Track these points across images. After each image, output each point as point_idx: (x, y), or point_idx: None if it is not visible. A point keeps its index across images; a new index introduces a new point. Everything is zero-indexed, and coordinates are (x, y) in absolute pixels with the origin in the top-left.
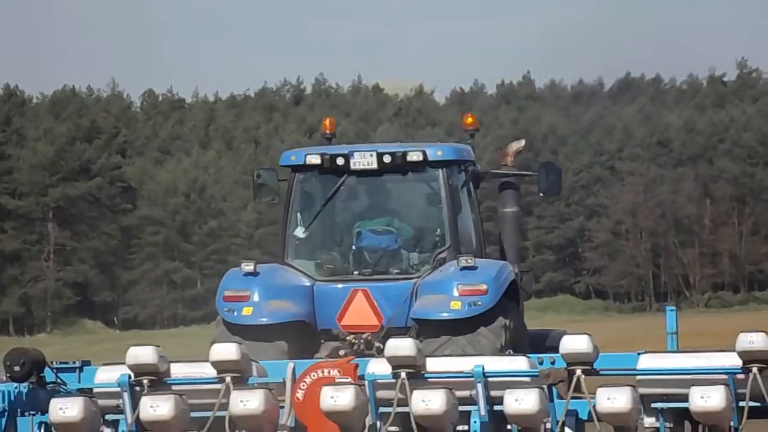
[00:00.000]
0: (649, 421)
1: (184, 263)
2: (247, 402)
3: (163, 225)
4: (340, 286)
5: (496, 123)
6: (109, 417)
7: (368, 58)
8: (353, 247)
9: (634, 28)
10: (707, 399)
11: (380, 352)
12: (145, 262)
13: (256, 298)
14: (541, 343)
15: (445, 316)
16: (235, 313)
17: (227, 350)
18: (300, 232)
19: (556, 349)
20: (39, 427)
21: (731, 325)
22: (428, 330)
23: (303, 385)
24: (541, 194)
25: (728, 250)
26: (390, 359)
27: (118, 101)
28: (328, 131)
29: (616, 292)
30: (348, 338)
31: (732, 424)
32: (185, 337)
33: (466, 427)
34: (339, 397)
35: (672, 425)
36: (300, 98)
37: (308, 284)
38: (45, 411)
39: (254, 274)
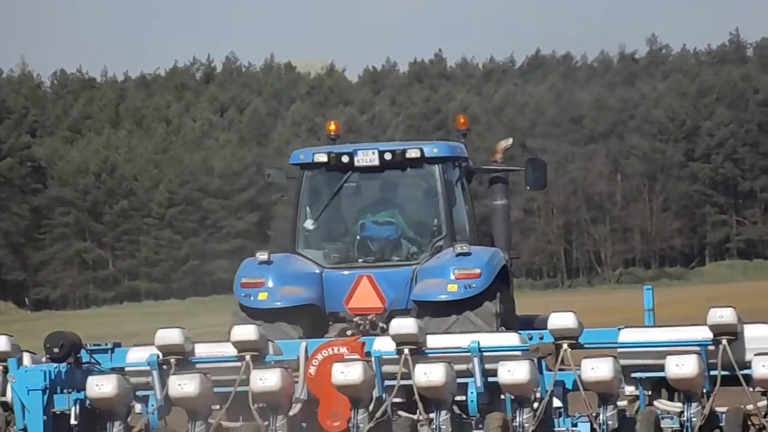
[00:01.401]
0: (629, 389)
1: (96, 243)
2: (265, 379)
3: (74, 205)
4: (346, 272)
5: (409, 101)
6: (139, 393)
7: (280, 36)
8: (357, 237)
9: (544, 4)
10: (681, 367)
11: (384, 332)
12: (56, 243)
13: (270, 284)
14: (529, 326)
15: (443, 297)
16: (252, 298)
17: (247, 331)
18: (309, 224)
19: None
20: (75, 404)
21: (642, 300)
22: (428, 311)
23: (315, 362)
24: (528, 187)
25: (639, 226)
26: (394, 337)
27: (28, 81)
28: (333, 133)
29: (529, 269)
30: (354, 320)
31: (704, 389)
32: (99, 317)
33: (463, 397)
34: (349, 372)
35: (650, 393)
36: (211, 77)
37: (317, 271)
38: (81, 389)
39: (268, 262)
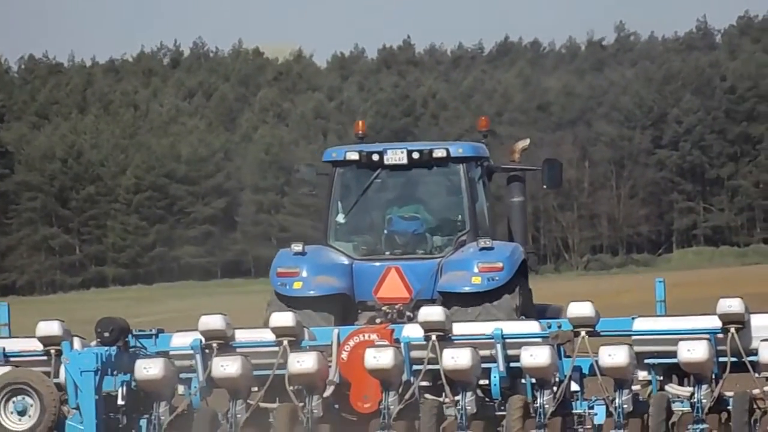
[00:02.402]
0: (642, 374)
1: (63, 229)
2: (303, 362)
3: (41, 190)
4: (376, 264)
5: (377, 87)
6: (182, 375)
7: (248, 22)
8: (385, 231)
9: None
10: (693, 352)
11: (411, 320)
12: (22, 228)
13: (304, 274)
14: (542, 314)
15: (467, 289)
16: (287, 287)
17: (285, 318)
18: (340, 218)
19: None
20: (122, 385)
21: (610, 287)
22: (452, 301)
23: (347, 348)
24: (545, 186)
25: (606, 213)
26: (423, 324)
27: None
28: (360, 132)
29: None
30: (383, 308)
31: (713, 374)
32: (65, 303)
33: (486, 381)
34: (381, 357)
35: (662, 378)
36: (178, 62)
37: (347, 262)
38: (127, 371)
39: (302, 253)
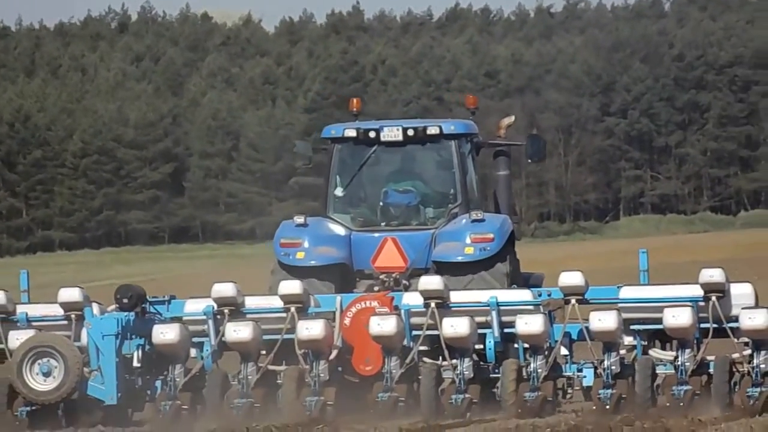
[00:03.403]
0: (627, 339)
1: (9, 193)
2: (311, 329)
3: None
4: (374, 235)
5: (326, 53)
6: (195, 340)
7: None
8: (381, 204)
9: None
10: (677, 317)
11: (406, 288)
12: None
13: (306, 244)
14: (527, 282)
15: (460, 259)
16: (290, 257)
17: (292, 286)
18: (339, 191)
19: (537, 287)
20: (137, 348)
21: (558, 254)
22: (446, 270)
23: (350, 314)
24: (529, 160)
25: (554, 181)
26: (422, 292)
27: None
28: (355, 109)
29: None
30: (380, 277)
31: (695, 339)
32: (12, 267)
33: (481, 346)
34: (384, 324)
35: (646, 343)
36: (126, 26)
37: (346, 233)
38: (142, 335)
39: (304, 225)
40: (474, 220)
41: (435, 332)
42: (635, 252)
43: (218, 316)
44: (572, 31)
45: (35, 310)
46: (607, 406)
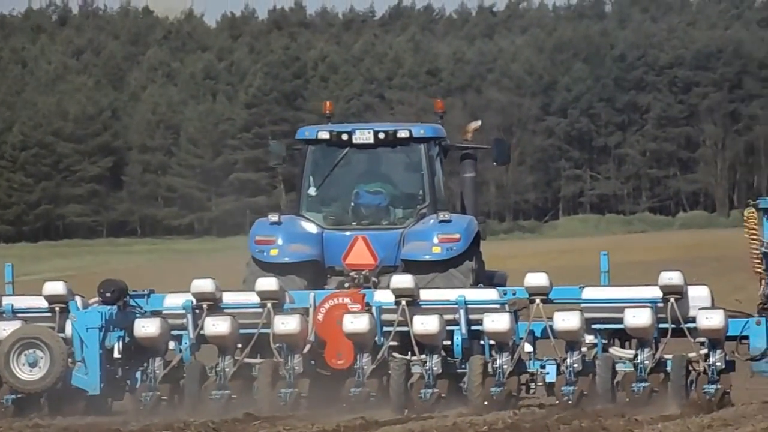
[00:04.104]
0: (589, 338)
1: None
2: (287, 323)
3: None
4: (345, 233)
5: (268, 49)
6: (173, 333)
7: None
8: (352, 203)
9: None
10: (637, 318)
11: (375, 285)
12: None
13: (280, 241)
14: (491, 280)
15: (428, 257)
16: (264, 254)
17: (269, 282)
18: (312, 191)
19: (501, 285)
20: (117, 340)
21: (498, 252)
22: (414, 268)
23: (323, 310)
24: (494, 163)
25: (495, 179)
26: (394, 290)
27: None
28: (328, 111)
29: None
30: (351, 274)
31: (654, 338)
32: None
33: (449, 342)
34: (357, 322)
35: (606, 341)
36: (66, 19)
37: (318, 232)
38: (123, 328)
39: (278, 223)
40: (441, 221)
41: (405, 329)
42: (574, 251)
43: (197, 311)
44: (514, 31)
45: (21, 302)
46: (570, 402)
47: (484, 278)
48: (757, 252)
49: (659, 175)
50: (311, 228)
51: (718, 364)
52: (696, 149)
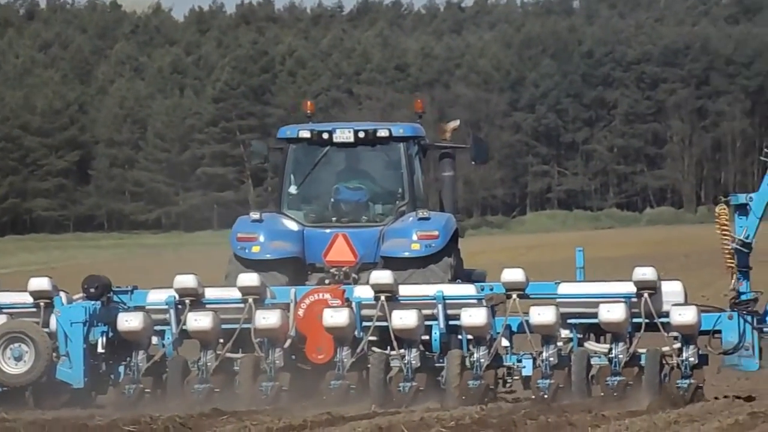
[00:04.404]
0: (564, 332)
1: None
2: (268, 318)
3: None
4: (326, 231)
5: (236, 43)
6: (156, 327)
7: None
8: (332, 201)
9: None
10: (611, 312)
11: (355, 282)
12: None
13: (261, 239)
14: (469, 277)
15: (407, 254)
16: (246, 251)
17: (250, 278)
18: (293, 189)
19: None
20: (101, 335)
21: (465, 248)
22: (393, 265)
23: (303, 305)
24: (473, 161)
25: (462, 175)
26: (373, 286)
27: None
28: (309, 111)
29: None
30: (331, 270)
31: (628, 333)
32: None
33: (428, 337)
34: (336, 316)
35: (581, 335)
36: (34, 13)
37: (299, 229)
38: (107, 323)
39: (260, 221)
40: (420, 218)
41: (384, 324)
42: (541, 247)
43: (179, 306)
44: (482, 26)
45: (6, 298)
46: (545, 395)
47: (463, 275)
48: (729, 248)
49: (626, 171)
50: (292, 225)
51: (692, 358)
52: (663, 145)
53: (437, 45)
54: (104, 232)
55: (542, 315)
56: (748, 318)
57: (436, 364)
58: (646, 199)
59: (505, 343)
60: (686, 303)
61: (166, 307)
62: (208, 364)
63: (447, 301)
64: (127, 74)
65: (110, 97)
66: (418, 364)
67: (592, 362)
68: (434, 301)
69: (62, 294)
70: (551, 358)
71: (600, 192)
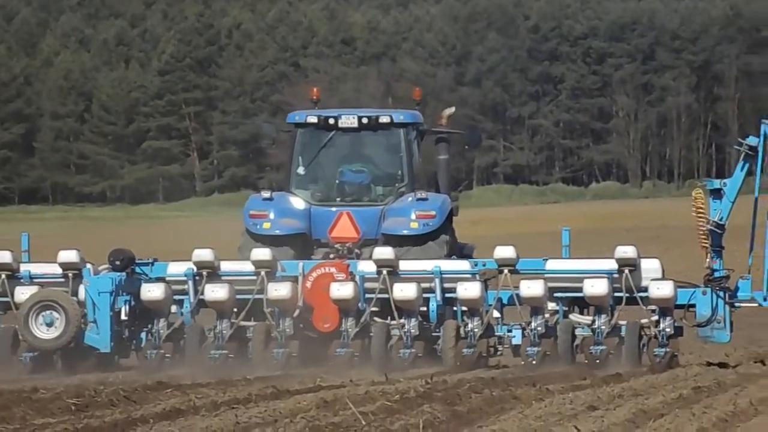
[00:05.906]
0: (551, 305)
1: None
2: (279, 290)
3: None
4: (331, 209)
5: (181, 16)
6: (176, 297)
7: None
8: (337, 182)
9: None
10: (594, 287)
11: (358, 257)
12: None
13: (272, 216)
14: (461, 251)
15: (406, 232)
16: (258, 227)
17: (263, 252)
18: (300, 170)
19: (470, 257)
20: (124, 304)
21: None
22: (393, 242)
23: (311, 278)
24: (466, 147)
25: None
26: (376, 261)
27: None
28: (315, 97)
29: None
30: (335, 246)
31: (610, 306)
32: None
33: (426, 308)
34: (343, 289)
35: (567, 308)
36: None
37: (306, 207)
38: (130, 293)
39: (270, 199)
40: (418, 199)
41: (386, 296)
42: (486, 222)
43: (197, 278)
44: (429, 0)
45: (37, 269)
46: (534, 362)
47: (457, 251)
48: (704, 229)
49: (572, 145)
50: (300, 204)
51: (668, 329)
52: (609, 120)
53: (384, 18)
54: (49, 205)
55: (531, 288)
56: (721, 293)
57: (433, 333)
58: (591, 173)
59: (496, 314)
60: (663, 278)
61: (185, 278)
62: (224, 331)
63: (444, 276)
64: (72, 46)
65: (55, 69)
66: (417, 333)
67: (576, 332)
68: (432, 275)
69: (89, 265)
70: (539, 329)
71: (546, 166)
